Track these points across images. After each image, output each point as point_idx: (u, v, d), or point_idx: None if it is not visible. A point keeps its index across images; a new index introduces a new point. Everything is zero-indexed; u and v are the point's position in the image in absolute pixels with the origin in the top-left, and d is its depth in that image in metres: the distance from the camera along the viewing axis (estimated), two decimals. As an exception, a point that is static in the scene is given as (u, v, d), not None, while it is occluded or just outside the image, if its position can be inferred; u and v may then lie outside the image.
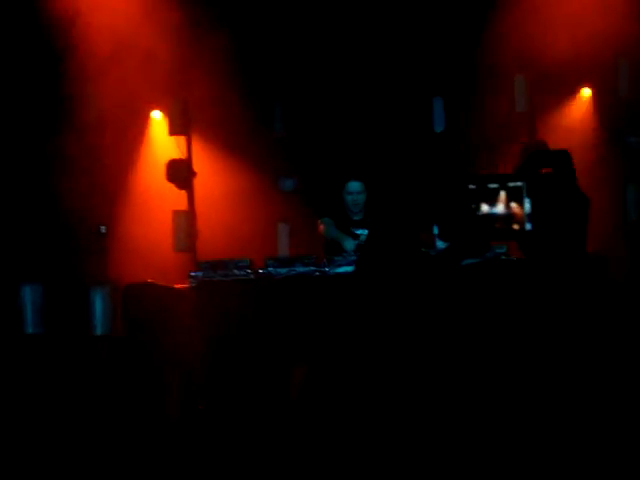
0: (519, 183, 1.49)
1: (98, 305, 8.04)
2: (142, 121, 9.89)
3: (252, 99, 9.57)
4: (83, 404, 6.73)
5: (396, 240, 1.53)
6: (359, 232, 7.51)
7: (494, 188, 1.54)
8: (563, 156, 1.40)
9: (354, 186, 7.58)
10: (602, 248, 6.36)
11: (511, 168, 8.05)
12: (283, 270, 6.87)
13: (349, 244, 7.28)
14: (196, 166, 9.63)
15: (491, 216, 1.54)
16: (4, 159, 8.76)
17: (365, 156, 9.24)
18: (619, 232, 8.96)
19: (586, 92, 9.76)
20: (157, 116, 9.95)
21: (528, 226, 1.51)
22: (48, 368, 7.24)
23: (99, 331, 8.00)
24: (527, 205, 1.49)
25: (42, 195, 8.78)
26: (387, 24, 9.32)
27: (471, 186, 1.52)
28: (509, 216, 1.53)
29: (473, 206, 1.54)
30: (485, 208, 1.54)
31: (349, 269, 6.72)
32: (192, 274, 6.93)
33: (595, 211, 4.54)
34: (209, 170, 9.71)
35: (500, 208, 1.51)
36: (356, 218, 7.59)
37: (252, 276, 6.89)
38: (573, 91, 9.77)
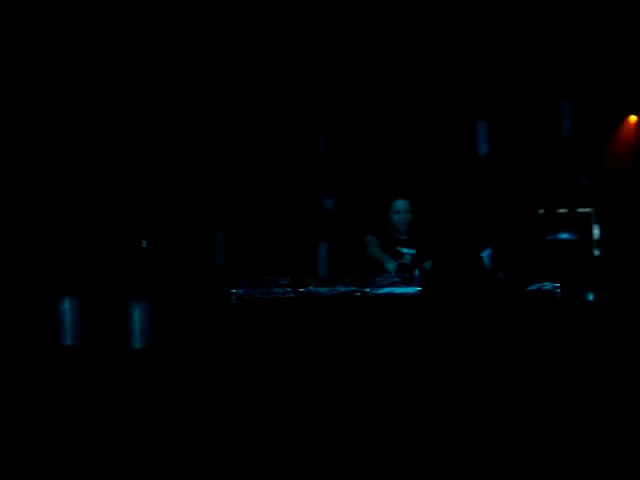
0: (588, 209, 1.45)
1: (137, 318, 8.04)
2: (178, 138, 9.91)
3: (295, 117, 9.58)
4: (117, 416, 6.71)
5: (461, 263, 1.50)
6: (404, 251, 7.48)
7: (563, 213, 1.52)
8: (634, 184, 1.38)
9: (401, 205, 7.57)
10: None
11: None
12: (324, 289, 6.84)
13: (391, 265, 7.26)
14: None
15: (559, 241, 1.52)
16: (46, 169, 8.80)
17: (410, 176, 9.23)
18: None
19: (632, 119, 9.68)
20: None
21: (596, 252, 1.47)
22: (85, 380, 7.23)
23: (137, 344, 7.99)
24: (596, 231, 1.45)
25: (84, 207, 8.81)
26: (433, 46, 9.30)
27: (540, 211, 1.50)
28: (578, 241, 1.50)
29: (543, 231, 1.52)
30: (554, 233, 1.52)
31: (390, 290, 6.68)
32: (233, 291, 6.91)
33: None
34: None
35: (569, 233, 1.49)
36: (401, 237, 7.57)
37: (292, 294, 6.86)
38: (620, 117, 9.69)
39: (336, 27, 9.30)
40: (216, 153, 9.60)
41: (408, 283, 6.70)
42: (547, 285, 6.06)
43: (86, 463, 5.94)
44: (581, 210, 1.94)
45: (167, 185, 9.67)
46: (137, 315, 7.91)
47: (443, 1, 9.21)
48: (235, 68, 9.40)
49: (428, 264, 7.36)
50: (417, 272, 7.06)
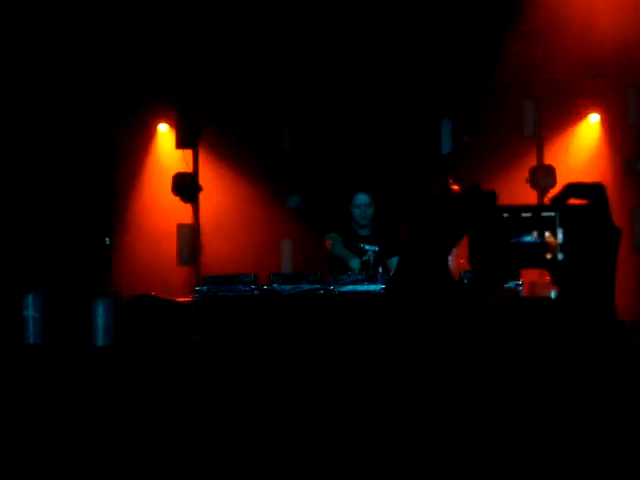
0: (552, 213, 1.49)
1: (100, 316, 8.00)
2: (149, 134, 9.90)
3: (259, 115, 9.58)
4: (82, 415, 6.68)
5: (426, 265, 1.51)
6: (367, 247, 7.48)
7: (527, 217, 1.55)
8: (598, 189, 1.41)
9: (362, 199, 7.52)
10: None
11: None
12: (288, 287, 6.85)
13: (355, 262, 7.25)
14: (202, 180, 9.62)
15: (523, 245, 1.55)
16: (9, 168, 8.74)
17: (372, 173, 9.23)
18: (628, 257, 8.92)
19: (594, 118, 9.74)
20: (164, 129, 9.96)
21: (560, 256, 1.51)
22: (48, 378, 7.19)
23: (100, 342, 7.95)
24: (560, 235, 1.49)
25: (46, 205, 8.76)
26: (397, 43, 9.31)
27: (505, 215, 1.53)
28: (541, 245, 1.53)
29: (506, 234, 1.55)
30: (518, 236, 1.55)
31: (354, 288, 6.71)
32: (197, 288, 6.91)
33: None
34: (215, 184, 9.71)
35: (533, 237, 1.52)
36: (363, 233, 7.55)
37: (256, 292, 6.87)
38: (581, 116, 9.75)
39: (300, 24, 9.30)
40: (183, 149, 9.58)
41: (372, 281, 6.73)
42: (510, 284, 6.11)
43: (48, 462, 5.91)
44: (545, 214, 1.96)
45: (128, 182, 9.65)
46: (100, 313, 7.88)
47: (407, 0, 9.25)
48: (201, 69, 9.38)
49: (393, 262, 7.37)
50: (380, 270, 7.07)
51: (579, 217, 1.63)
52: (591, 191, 1.67)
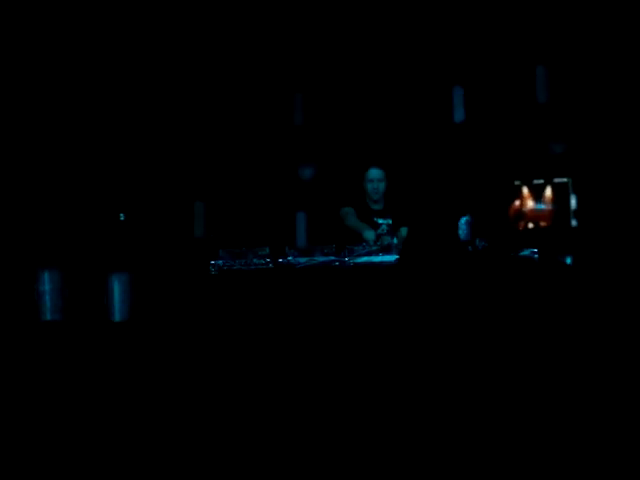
0: (565, 179, 1.47)
1: (116, 291, 8.03)
2: (165, 109, 9.87)
3: (271, 88, 9.56)
4: (97, 391, 6.72)
5: (436, 235, 1.51)
6: (380, 221, 7.51)
7: (539, 184, 1.53)
8: (612, 154, 1.39)
9: (375, 173, 7.59)
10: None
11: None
12: (303, 259, 6.88)
13: (369, 234, 7.30)
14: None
15: (536, 212, 1.53)
16: (26, 142, 8.76)
17: (386, 145, 9.22)
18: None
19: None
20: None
21: (573, 222, 1.49)
22: (66, 355, 7.23)
23: (117, 317, 7.98)
24: (573, 201, 1.47)
25: (61, 180, 8.78)
26: (407, 11, 9.28)
27: (516, 182, 1.50)
28: (554, 212, 1.52)
29: (517, 202, 1.54)
30: (530, 204, 1.53)
31: (369, 259, 6.72)
32: (212, 262, 6.94)
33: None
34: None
35: (545, 204, 1.50)
36: (376, 207, 7.59)
37: (272, 265, 6.90)
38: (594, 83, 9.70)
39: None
40: (193, 125, 9.57)
41: (387, 251, 6.75)
42: (525, 251, 6.11)
43: (67, 442, 5.95)
44: (558, 180, 1.94)
45: (144, 157, 9.65)
46: (116, 288, 7.91)
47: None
48: (211, 39, 9.36)
49: (404, 231, 7.39)
50: (396, 240, 7.09)
51: (594, 182, 1.63)
52: (606, 155, 1.68)
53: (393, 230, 7.46)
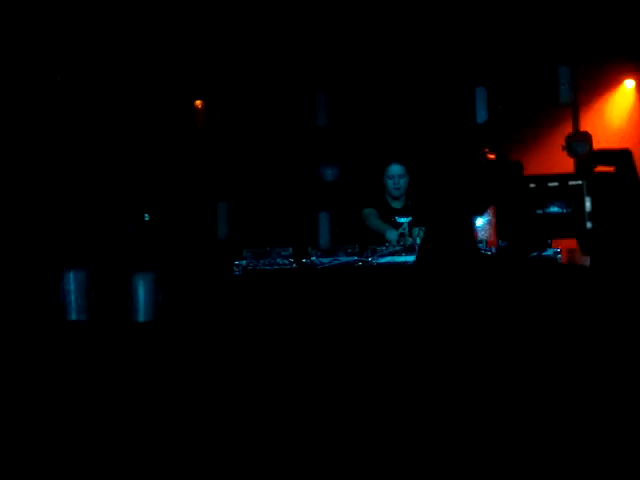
0: (579, 181, 1.50)
1: (141, 292, 8.06)
2: (187, 110, 9.94)
3: (294, 88, 9.59)
4: (121, 390, 6.76)
5: (454, 236, 1.53)
6: (401, 220, 7.51)
7: (554, 187, 1.56)
8: (625, 155, 1.40)
9: (395, 169, 7.53)
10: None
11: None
12: (326, 260, 6.91)
13: (391, 234, 7.30)
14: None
15: (551, 214, 1.56)
16: (50, 143, 8.82)
17: (407, 144, 9.22)
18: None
19: (630, 83, 9.69)
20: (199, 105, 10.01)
21: (589, 224, 1.52)
22: (92, 355, 7.28)
23: (142, 318, 8.01)
24: (588, 204, 1.50)
25: (87, 181, 8.84)
26: (431, 11, 9.29)
27: (532, 185, 1.53)
28: (569, 214, 1.54)
29: (533, 204, 1.56)
30: (545, 206, 1.56)
31: (392, 259, 6.74)
32: (236, 262, 6.99)
33: None
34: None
35: (560, 207, 1.52)
36: (396, 206, 7.56)
37: (295, 265, 6.94)
38: (617, 82, 9.70)
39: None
40: (217, 126, 9.62)
41: (410, 251, 6.76)
42: (548, 251, 6.11)
43: (92, 441, 6.00)
44: (572, 183, 1.96)
45: (168, 158, 9.70)
46: (141, 288, 7.95)
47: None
48: (235, 40, 9.39)
49: (416, 231, 7.36)
50: (418, 240, 7.10)
51: (607, 185, 1.66)
52: (618, 157, 1.70)
53: (414, 227, 7.44)
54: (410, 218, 7.58)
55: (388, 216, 7.54)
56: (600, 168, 1.53)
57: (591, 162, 1.49)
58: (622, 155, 1.47)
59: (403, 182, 7.56)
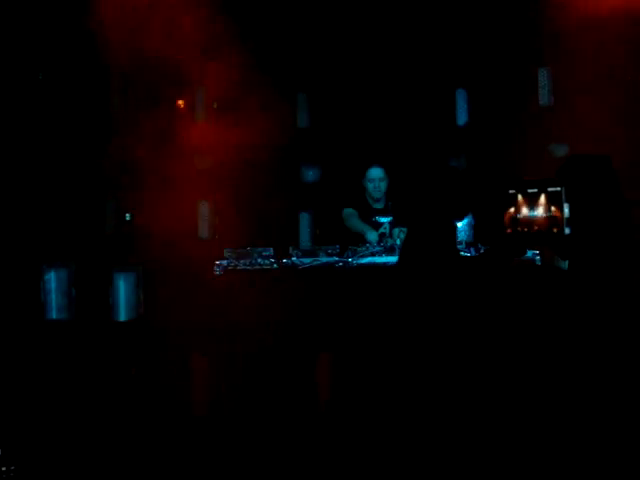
0: (558, 188, 1.53)
1: (122, 290, 8.08)
2: (168, 109, 9.94)
3: (275, 89, 9.60)
4: (104, 391, 6.77)
5: (434, 239, 1.56)
6: (382, 220, 7.54)
7: (534, 192, 1.59)
8: (604, 160, 1.43)
9: (376, 172, 7.56)
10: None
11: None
12: (307, 260, 6.93)
13: (372, 235, 7.33)
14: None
15: (530, 220, 1.59)
16: (28, 142, 8.80)
17: (387, 146, 9.24)
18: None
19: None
20: (182, 104, 10.02)
21: (567, 230, 1.55)
22: (73, 354, 7.28)
23: (122, 317, 8.03)
24: (566, 210, 1.53)
25: (68, 179, 8.83)
26: (411, 14, 9.31)
27: (511, 190, 1.57)
28: (548, 220, 1.57)
29: (512, 209, 1.59)
30: (524, 212, 1.59)
31: (372, 260, 6.78)
32: (217, 262, 7.00)
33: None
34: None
35: (539, 212, 1.56)
36: (377, 207, 7.60)
37: (276, 265, 6.95)
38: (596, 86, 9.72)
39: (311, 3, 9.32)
40: (199, 125, 9.63)
41: (390, 252, 6.80)
42: (527, 253, 6.15)
43: (73, 440, 6.00)
44: (551, 189, 1.99)
45: (148, 158, 9.70)
46: (122, 288, 7.96)
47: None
48: (221, 40, 9.40)
49: (396, 232, 7.38)
50: (398, 241, 7.13)
51: (586, 191, 1.69)
52: (597, 163, 1.74)
53: (394, 228, 7.46)
54: (391, 218, 7.62)
55: (369, 216, 7.56)
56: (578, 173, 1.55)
57: (570, 168, 1.51)
58: (601, 160, 1.49)
59: (383, 185, 7.59)
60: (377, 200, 7.63)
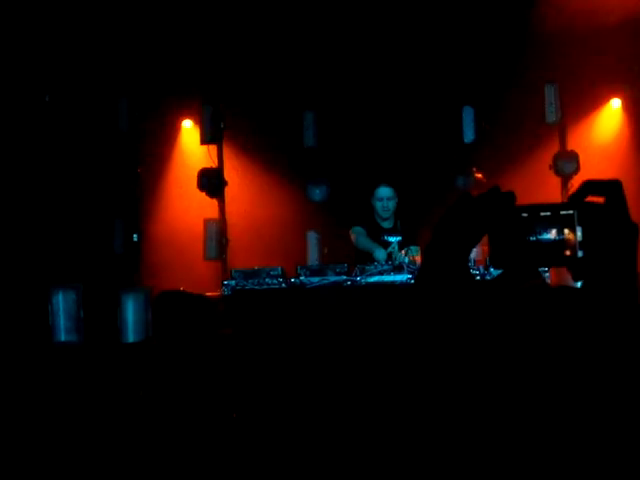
0: (571, 211, 1.54)
1: (130, 313, 8.06)
2: (173, 130, 9.98)
3: (283, 108, 9.62)
4: (112, 411, 6.74)
5: (448, 266, 1.55)
6: (390, 240, 7.50)
7: (546, 216, 1.60)
8: (615, 186, 1.43)
9: (384, 192, 7.49)
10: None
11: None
12: (315, 279, 6.90)
13: (380, 253, 7.26)
14: (227, 175, 9.69)
15: (543, 243, 1.59)
16: (38, 165, 8.82)
17: (395, 164, 9.23)
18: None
19: (616, 103, 9.72)
20: (188, 125, 10.05)
21: (580, 253, 1.56)
22: (81, 376, 7.25)
23: (130, 339, 8.01)
24: (579, 233, 1.54)
25: (75, 202, 8.84)
26: (419, 33, 9.31)
27: (524, 214, 1.57)
28: (561, 243, 1.58)
29: (526, 233, 1.60)
30: (537, 235, 1.59)
31: (381, 278, 6.75)
32: (225, 282, 6.98)
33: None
34: (240, 179, 9.78)
35: (552, 235, 1.56)
36: (386, 226, 7.54)
37: (284, 285, 6.92)
38: (603, 101, 9.74)
39: (320, 16, 9.32)
40: (207, 143, 9.64)
41: (398, 271, 6.76)
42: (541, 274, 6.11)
43: (81, 463, 5.98)
44: (564, 212, 1.99)
45: (154, 179, 9.73)
46: (130, 309, 7.94)
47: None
48: (223, 64, 9.42)
49: (414, 250, 7.34)
50: (407, 260, 7.08)
51: (597, 214, 1.68)
52: (608, 188, 1.72)
53: (403, 248, 7.42)
54: (400, 238, 7.56)
55: (377, 235, 7.51)
56: (591, 198, 1.56)
57: (582, 192, 1.52)
58: (612, 185, 1.50)
59: (392, 204, 7.51)
60: (385, 219, 7.57)
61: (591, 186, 1.74)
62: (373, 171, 8.91)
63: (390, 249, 7.44)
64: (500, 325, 1.90)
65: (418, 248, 7.31)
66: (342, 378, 6.24)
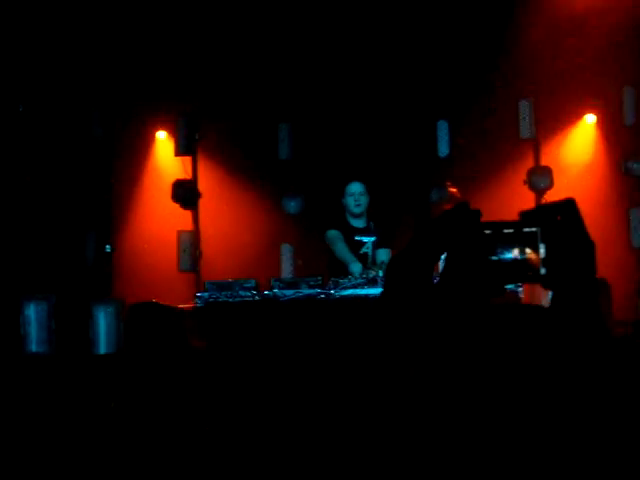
0: (534, 229, 1.54)
1: (101, 324, 8.01)
2: (147, 141, 9.95)
3: (258, 120, 9.61)
4: (84, 424, 6.69)
5: (411, 282, 1.54)
6: (364, 239, 7.37)
7: (509, 233, 1.60)
8: (569, 205, 1.44)
9: (356, 187, 7.32)
10: (605, 274, 6.39)
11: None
12: (289, 292, 6.87)
13: (355, 267, 7.13)
14: (201, 187, 9.66)
15: (503, 262, 1.60)
16: (7, 175, 8.76)
17: (369, 177, 9.20)
18: (626, 258, 8.93)
19: (590, 118, 9.76)
20: (162, 136, 10.01)
21: (542, 270, 1.56)
22: (50, 388, 7.20)
23: (102, 350, 7.96)
24: (542, 250, 1.54)
25: (45, 212, 8.79)
26: (393, 46, 9.32)
27: (487, 231, 1.57)
28: (523, 262, 1.58)
29: (487, 252, 1.60)
30: (500, 253, 1.60)
31: (354, 292, 6.73)
32: (198, 294, 6.94)
33: (599, 237, 4.53)
34: (214, 191, 9.75)
35: (515, 253, 1.57)
36: (358, 225, 7.37)
37: (257, 297, 6.89)
38: (577, 117, 9.78)
39: (296, 28, 9.32)
40: (181, 155, 9.62)
41: (372, 284, 6.72)
42: (510, 285, 6.12)
43: (53, 472, 5.92)
44: (527, 230, 1.99)
45: (128, 189, 9.69)
46: (101, 320, 7.89)
47: (405, 2, 9.26)
48: (199, 76, 9.40)
49: (382, 253, 7.22)
50: (381, 273, 7.03)
51: (558, 231, 1.68)
52: (562, 208, 1.72)
53: (377, 248, 7.29)
54: (374, 238, 7.40)
55: (350, 236, 7.34)
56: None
57: (535, 216, 1.53)
58: (565, 205, 1.50)
59: (363, 199, 7.32)
60: (357, 216, 7.37)
61: (544, 209, 1.75)
62: (346, 178, 8.86)
63: (365, 249, 7.36)
64: (462, 340, 1.90)
65: (389, 251, 7.26)
66: (315, 390, 6.22)
